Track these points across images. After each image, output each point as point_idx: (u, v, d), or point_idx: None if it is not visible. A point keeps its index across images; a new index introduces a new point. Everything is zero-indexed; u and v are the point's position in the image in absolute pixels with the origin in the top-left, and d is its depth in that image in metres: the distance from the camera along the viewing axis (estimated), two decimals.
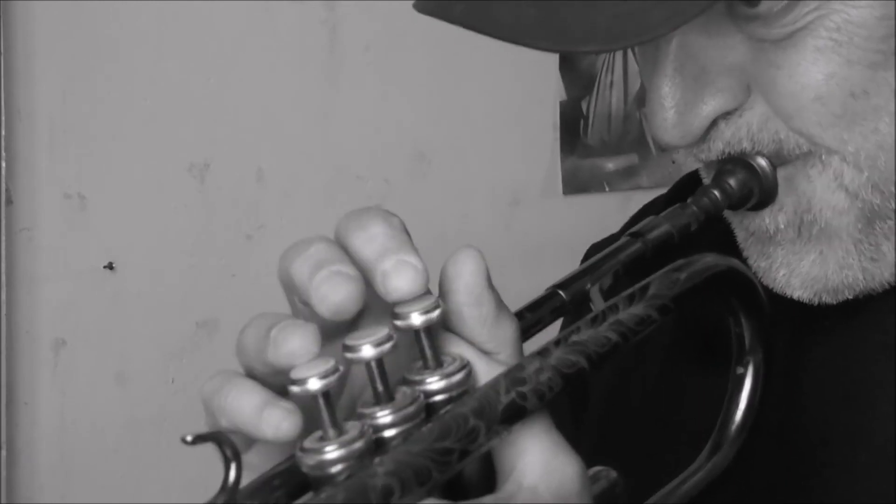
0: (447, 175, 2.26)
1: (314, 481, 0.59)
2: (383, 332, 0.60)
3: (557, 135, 2.35)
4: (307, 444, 0.59)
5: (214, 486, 0.59)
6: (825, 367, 0.85)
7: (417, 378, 0.62)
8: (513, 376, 0.62)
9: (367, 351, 0.60)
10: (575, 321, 0.66)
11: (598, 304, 0.70)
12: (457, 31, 0.73)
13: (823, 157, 0.75)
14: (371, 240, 0.62)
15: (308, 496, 0.60)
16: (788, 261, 0.79)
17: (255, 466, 0.64)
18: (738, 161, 0.77)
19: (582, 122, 2.36)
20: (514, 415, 0.61)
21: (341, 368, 0.59)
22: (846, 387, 0.83)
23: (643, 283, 0.69)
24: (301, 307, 0.64)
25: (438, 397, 0.62)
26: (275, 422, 0.60)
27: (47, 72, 1.96)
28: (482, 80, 2.25)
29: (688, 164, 0.84)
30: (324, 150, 2.17)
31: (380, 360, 0.60)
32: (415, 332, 0.62)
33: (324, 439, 0.59)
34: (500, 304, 0.64)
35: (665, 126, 0.74)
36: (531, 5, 0.68)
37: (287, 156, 2.14)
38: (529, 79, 2.28)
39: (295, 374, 0.59)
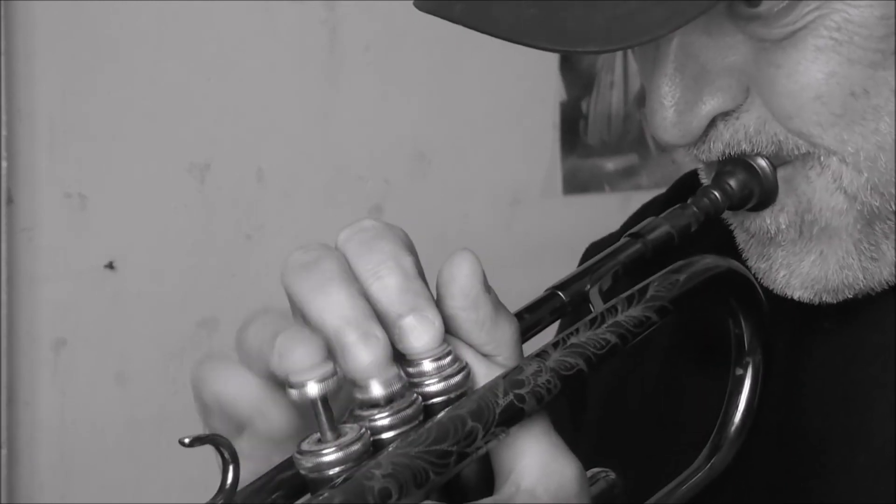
0: (447, 175, 2.26)
1: (312, 484, 0.59)
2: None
3: (557, 135, 2.35)
4: (305, 446, 0.59)
5: (214, 487, 0.59)
6: (825, 368, 0.85)
7: (416, 380, 0.62)
8: (511, 378, 0.62)
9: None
10: (574, 322, 0.66)
11: (597, 305, 0.70)
12: (457, 31, 0.73)
13: (822, 158, 0.75)
14: (387, 290, 0.62)
15: (306, 498, 0.60)
16: (788, 262, 0.79)
17: (248, 454, 0.64)
18: (738, 162, 0.77)
19: (582, 122, 2.36)
20: (513, 417, 0.61)
21: (339, 371, 0.59)
22: (845, 388, 0.83)
23: (642, 284, 0.69)
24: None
25: (436, 399, 0.62)
26: (269, 416, 0.61)
27: (47, 72, 1.96)
28: (482, 80, 2.25)
29: (687, 163, 0.84)
30: (324, 150, 2.17)
31: None
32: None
33: (321, 442, 0.59)
34: (497, 306, 0.64)
35: (664, 125, 0.74)
36: (531, 5, 0.68)
37: (287, 156, 2.14)
38: (529, 79, 2.28)
39: (293, 378, 0.59)
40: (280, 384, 0.61)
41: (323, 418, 0.59)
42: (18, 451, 1.95)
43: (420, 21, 0.77)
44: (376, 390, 0.60)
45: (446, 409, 0.60)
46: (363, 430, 0.60)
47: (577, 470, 0.63)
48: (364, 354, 0.60)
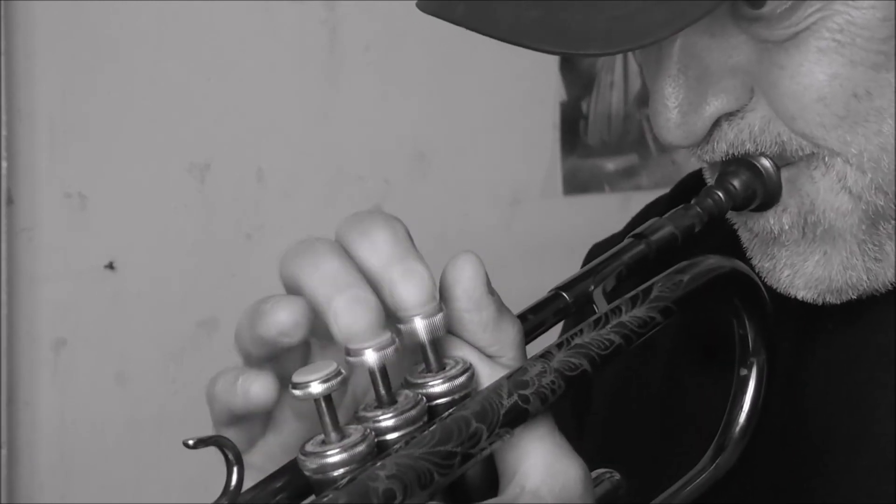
0: (447, 175, 2.26)
1: (316, 485, 0.59)
2: (386, 336, 0.60)
3: (557, 135, 2.35)
4: (309, 447, 0.59)
5: (215, 487, 0.59)
6: (828, 369, 0.85)
7: (419, 381, 0.62)
8: (515, 379, 0.62)
9: (370, 356, 0.60)
10: (578, 323, 0.66)
11: (601, 306, 0.70)
12: (457, 32, 0.73)
13: (826, 158, 0.75)
14: (376, 249, 0.62)
15: (310, 500, 0.60)
16: (792, 261, 0.79)
17: (258, 467, 0.64)
18: (741, 162, 0.77)
19: (582, 122, 2.36)
20: (517, 418, 0.61)
21: (343, 372, 0.59)
22: (849, 388, 0.83)
23: (646, 285, 0.69)
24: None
25: (441, 400, 0.62)
26: (245, 387, 0.61)
27: (47, 72, 1.96)
28: (482, 80, 2.25)
29: (689, 164, 0.84)
30: (324, 150, 2.17)
31: (382, 365, 0.60)
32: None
33: (326, 443, 0.59)
34: (501, 307, 0.64)
35: (668, 126, 0.74)
36: (532, 7, 0.68)
37: (287, 156, 2.14)
38: (530, 79, 2.28)
39: (297, 378, 0.59)
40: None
41: (327, 419, 0.59)
42: (18, 451, 1.95)
43: (420, 21, 0.77)
44: (370, 357, 0.60)
45: (450, 411, 0.60)
46: (367, 431, 0.60)
47: (581, 471, 0.63)
48: (356, 317, 0.60)
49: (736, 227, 0.83)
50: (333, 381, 0.58)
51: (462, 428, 0.59)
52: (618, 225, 1.02)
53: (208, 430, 0.66)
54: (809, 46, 0.72)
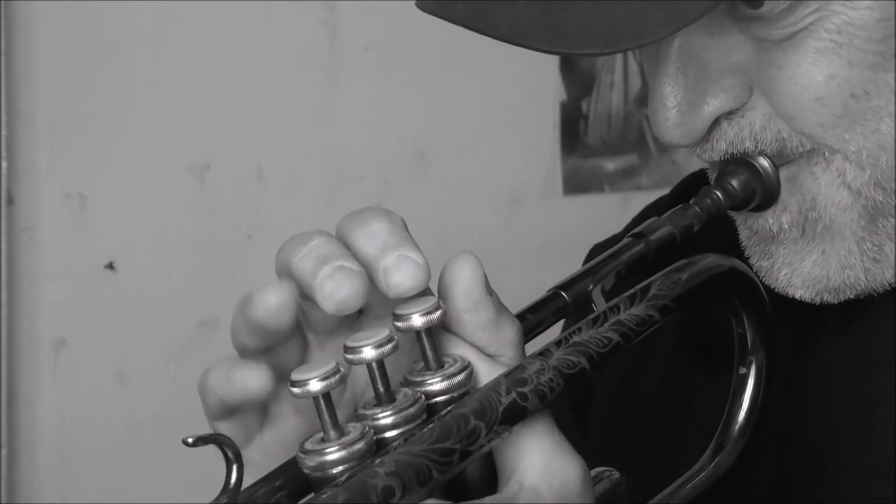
0: (447, 175, 2.26)
1: (315, 482, 0.59)
2: (384, 333, 0.60)
3: (557, 135, 2.35)
4: (308, 445, 0.60)
5: (215, 486, 0.59)
6: (828, 369, 0.85)
7: (419, 379, 0.62)
8: (514, 377, 0.62)
9: (369, 352, 0.60)
10: (577, 322, 0.66)
11: (599, 305, 0.70)
12: (457, 31, 0.73)
13: (826, 154, 0.75)
14: (372, 236, 0.63)
15: (309, 497, 0.60)
16: (790, 260, 0.79)
17: (256, 463, 0.64)
18: (740, 162, 0.77)
19: (582, 122, 2.36)
20: (516, 415, 0.61)
21: (342, 370, 0.59)
22: (849, 388, 0.83)
23: (644, 283, 0.69)
24: (301, 301, 0.64)
25: (439, 398, 0.62)
26: (240, 377, 0.61)
27: (47, 72, 1.96)
28: (482, 80, 2.25)
29: (689, 164, 0.84)
30: (324, 150, 2.17)
31: (381, 362, 0.61)
32: (416, 333, 0.62)
33: (325, 440, 0.59)
34: (499, 307, 0.64)
35: (667, 125, 0.74)
36: (532, 7, 0.68)
37: (287, 156, 2.14)
38: (529, 79, 2.27)
39: (295, 376, 0.59)
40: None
41: (326, 417, 0.59)
42: (18, 451, 1.95)
43: (420, 21, 0.78)
44: (369, 354, 0.60)
45: (449, 408, 0.60)
46: (366, 428, 0.60)
47: (580, 468, 0.63)
48: (343, 286, 0.60)
49: (736, 225, 0.83)
50: (332, 379, 0.59)
51: (461, 425, 0.59)
52: (618, 225, 1.02)
53: (208, 430, 0.66)
54: (807, 47, 0.72)
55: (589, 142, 2.36)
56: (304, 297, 0.63)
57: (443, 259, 0.65)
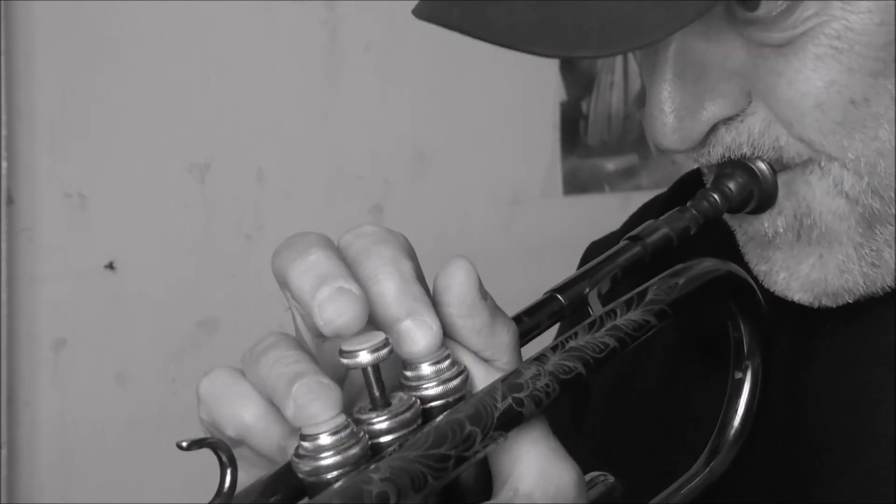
0: (447, 175, 2.26)
1: (310, 487, 0.59)
2: (380, 337, 0.60)
3: (557, 135, 2.35)
4: (303, 450, 0.59)
5: (214, 487, 0.59)
6: (826, 371, 0.85)
7: (414, 384, 0.62)
8: (510, 382, 0.61)
9: (364, 357, 0.60)
10: (573, 326, 0.66)
11: (596, 308, 0.69)
12: (456, 33, 0.73)
13: (823, 163, 0.74)
14: (383, 293, 0.62)
15: (304, 502, 0.60)
16: (788, 264, 0.79)
17: (249, 459, 0.64)
18: (737, 164, 0.76)
19: (582, 122, 2.36)
20: (511, 421, 0.61)
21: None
22: (847, 390, 0.83)
23: (641, 288, 0.69)
24: (297, 310, 0.64)
25: (435, 403, 0.62)
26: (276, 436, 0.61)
27: (47, 72, 1.96)
28: (482, 80, 2.25)
29: (688, 164, 0.84)
30: (324, 150, 2.17)
31: (376, 366, 0.60)
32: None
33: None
34: (494, 311, 0.64)
35: (664, 131, 0.74)
36: (528, 10, 0.68)
37: (287, 156, 2.14)
38: (530, 79, 2.28)
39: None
40: None
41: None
42: (18, 451, 1.95)
43: (420, 22, 0.77)
44: (364, 359, 0.59)
45: (444, 413, 0.60)
46: (361, 433, 0.60)
47: (575, 474, 0.63)
48: (343, 310, 0.60)
49: (732, 229, 0.83)
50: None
51: (456, 431, 0.59)
52: (618, 225, 1.02)
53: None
54: (807, 52, 0.72)
55: (589, 142, 2.36)
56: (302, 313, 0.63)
57: (442, 259, 0.64)
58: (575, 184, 2.36)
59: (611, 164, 2.38)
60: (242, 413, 0.62)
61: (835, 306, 0.79)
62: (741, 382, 0.77)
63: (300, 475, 0.59)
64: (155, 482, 2.02)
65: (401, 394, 0.62)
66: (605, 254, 0.74)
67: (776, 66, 0.73)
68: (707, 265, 0.72)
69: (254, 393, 0.62)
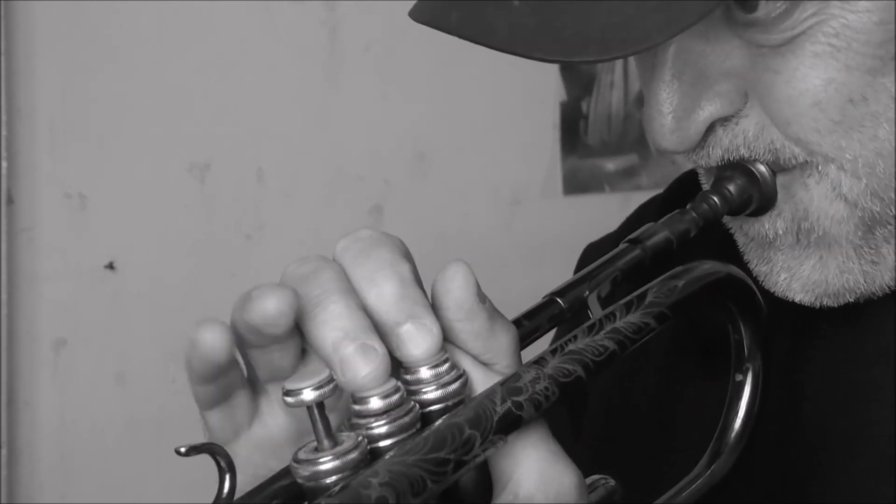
0: (447, 175, 2.26)
1: (309, 492, 0.59)
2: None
3: (558, 135, 2.35)
4: (301, 454, 0.59)
5: (214, 487, 0.59)
6: (825, 371, 0.85)
7: (413, 388, 0.62)
8: (509, 386, 0.61)
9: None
10: (573, 329, 0.66)
11: (595, 311, 0.69)
12: None
13: (820, 167, 0.74)
14: (383, 298, 0.62)
15: None
16: (789, 265, 0.79)
17: (244, 457, 0.64)
18: (737, 167, 0.76)
19: (582, 122, 2.36)
20: (510, 424, 0.61)
21: (335, 378, 0.59)
22: (846, 390, 0.83)
23: (641, 290, 0.68)
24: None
25: (434, 407, 0.62)
26: (203, 336, 0.60)
27: (47, 72, 1.96)
28: (482, 80, 2.25)
29: (687, 165, 0.84)
30: (324, 150, 2.17)
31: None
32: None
33: (318, 450, 0.59)
34: (493, 314, 0.64)
35: (663, 132, 0.73)
36: (527, 15, 0.67)
37: (287, 156, 2.14)
38: (530, 79, 2.28)
39: (289, 385, 0.59)
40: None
41: (320, 426, 0.59)
42: (18, 451, 1.95)
43: None
44: (375, 403, 0.60)
45: (444, 417, 0.60)
46: (360, 438, 0.60)
47: (575, 477, 0.63)
48: (363, 367, 0.60)
49: (732, 230, 0.83)
50: (326, 389, 0.58)
51: (455, 434, 0.59)
52: (618, 225, 1.02)
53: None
54: (805, 51, 0.72)
55: (589, 142, 2.36)
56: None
57: (443, 259, 0.64)
58: (575, 184, 2.36)
59: (611, 164, 2.38)
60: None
61: (836, 306, 0.79)
62: (742, 385, 0.77)
63: (299, 480, 0.59)
64: (155, 482, 2.02)
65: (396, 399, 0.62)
66: (604, 257, 0.73)
67: (774, 65, 0.72)
68: (707, 267, 0.72)
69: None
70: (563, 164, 2.35)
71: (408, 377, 0.62)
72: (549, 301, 0.69)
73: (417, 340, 0.61)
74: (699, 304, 0.71)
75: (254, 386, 0.66)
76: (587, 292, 0.70)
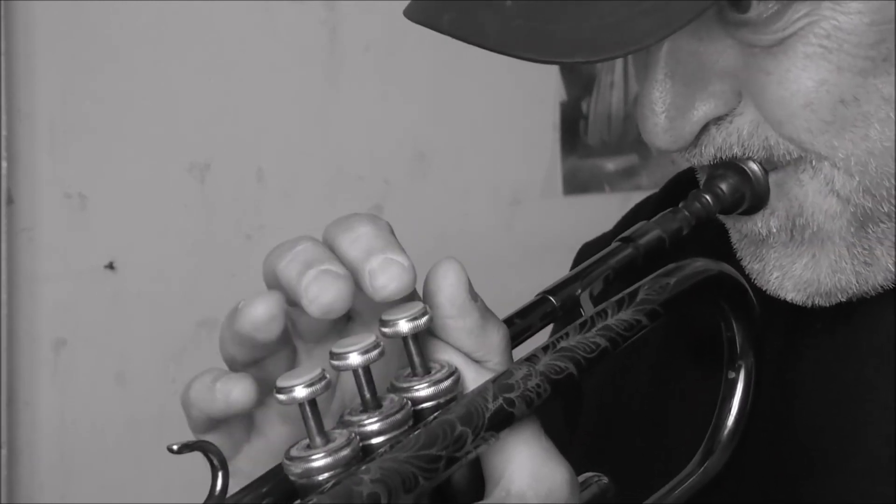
0: (447, 175, 2.26)
1: (301, 489, 0.59)
2: (370, 339, 0.60)
3: (558, 135, 2.35)
4: (294, 452, 0.60)
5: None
6: (817, 370, 0.85)
7: (405, 385, 0.62)
8: (501, 383, 0.62)
9: (355, 359, 0.60)
10: (565, 327, 0.66)
11: (588, 310, 0.70)
12: None
13: (814, 162, 0.74)
14: (357, 240, 0.63)
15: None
16: (781, 263, 0.79)
17: (246, 473, 0.64)
18: (729, 165, 0.77)
19: (582, 122, 2.36)
20: (502, 421, 0.61)
21: (328, 376, 0.59)
22: (838, 389, 0.83)
23: (632, 288, 0.69)
24: (289, 308, 0.64)
25: (426, 404, 0.62)
26: (224, 391, 0.61)
27: (47, 72, 1.96)
28: (482, 80, 2.25)
29: (685, 164, 0.84)
30: (324, 150, 2.17)
31: (367, 368, 0.61)
32: (403, 340, 0.62)
33: (311, 447, 0.59)
34: (485, 312, 0.64)
35: (656, 131, 0.74)
36: (518, 16, 0.68)
37: (287, 156, 2.14)
38: (530, 79, 2.27)
39: (281, 382, 0.59)
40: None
41: (312, 423, 0.59)
42: (18, 451, 1.96)
43: None
44: (355, 360, 0.60)
45: (436, 414, 0.60)
46: (352, 435, 0.60)
47: (567, 474, 0.63)
48: (326, 290, 0.60)
49: (727, 227, 0.83)
50: (318, 386, 0.59)
51: (447, 431, 0.59)
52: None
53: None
54: (797, 52, 0.72)
55: (589, 142, 2.36)
56: (291, 303, 0.63)
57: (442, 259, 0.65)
58: (575, 184, 2.36)
59: (611, 164, 2.38)
60: (198, 383, 0.63)
61: (828, 305, 0.79)
62: (734, 382, 0.77)
63: (291, 477, 0.59)
64: (155, 482, 2.02)
65: (392, 395, 0.62)
66: (597, 255, 0.74)
67: (766, 66, 0.73)
68: (699, 265, 0.72)
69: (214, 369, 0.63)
70: (563, 164, 2.35)
71: (400, 374, 0.62)
72: (542, 299, 0.70)
73: (389, 273, 0.61)
74: (691, 301, 0.71)
75: None
76: (579, 290, 0.71)
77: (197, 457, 0.60)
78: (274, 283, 0.63)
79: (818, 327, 0.84)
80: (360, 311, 0.66)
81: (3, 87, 1.90)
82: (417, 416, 0.61)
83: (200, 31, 2.06)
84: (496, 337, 0.64)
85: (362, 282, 0.62)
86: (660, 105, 0.73)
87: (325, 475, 0.58)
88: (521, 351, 0.66)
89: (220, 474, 0.58)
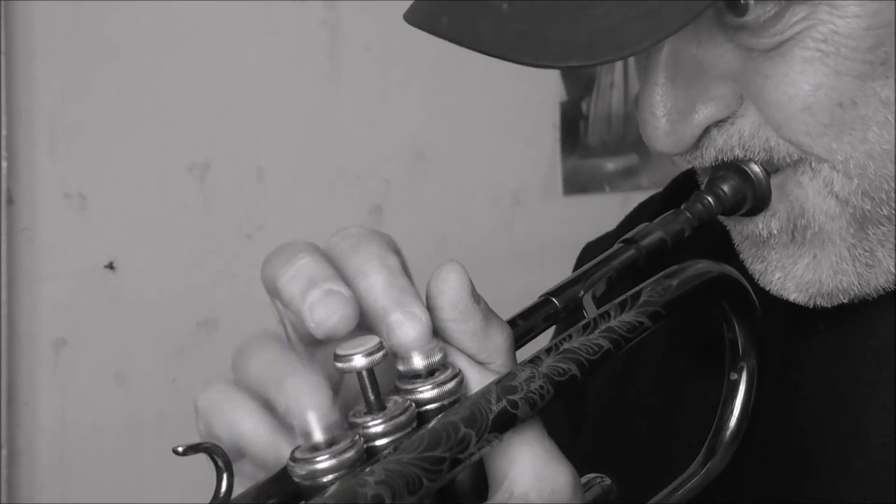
0: (447, 175, 2.26)
1: (305, 491, 0.59)
2: (374, 341, 0.60)
3: (558, 135, 2.35)
4: (298, 453, 0.59)
5: (213, 487, 0.59)
6: (819, 370, 0.85)
7: (409, 387, 0.62)
8: (504, 384, 0.62)
9: (359, 361, 0.60)
10: (568, 329, 0.66)
11: (590, 311, 0.70)
12: None
13: (813, 164, 0.75)
14: (372, 287, 0.63)
15: None
16: (783, 264, 0.79)
17: (249, 475, 0.64)
18: (731, 167, 0.77)
19: (582, 122, 2.36)
20: (506, 423, 0.61)
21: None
22: (840, 389, 0.83)
23: (635, 290, 0.69)
24: (288, 319, 0.64)
25: (430, 406, 0.62)
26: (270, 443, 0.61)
27: (47, 72, 1.96)
28: (482, 80, 2.25)
29: (686, 165, 0.84)
30: (324, 150, 2.17)
31: (371, 370, 0.61)
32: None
33: (315, 449, 0.59)
34: (488, 314, 0.64)
35: (657, 134, 0.74)
36: (515, 20, 0.68)
37: (287, 156, 2.14)
38: (529, 79, 2.28)
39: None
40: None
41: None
42: (18, 451, 1.96)
43: None
44: (359, 362, 0.60)
45: (439, 416, 0.60)
46: (356, 437, 0.60)
47: (570, 476, 0.63)
48: (332, 310, 0.60)
49: (728, 228, 0.83)
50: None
51: (451, 433, 0.59)
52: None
53: None
54: (794, 56, 0.72)
55: (589, 142, 2.36)
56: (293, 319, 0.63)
57: (443, 259, 0.65)
58: (575, 184, 2.36)
59: (611, 164, 2.38)
60: (239, 422, 0.62)
61: (830, 306, 0.80)
62: (737, 383, 0.77)
63: (296, 479, 0.59)
64: (155, 482, 2.02)
65: (396, 397, 0.62)
66: (599, 257, 0.74)
67: (764, 70, 0.73)
68: (701, 267, 0.72)
69: (251, 403, 0.62)
70: (563, 164, 2.35)
71: (403, 373, 0.62)
72: (545, 301, 0.70)
73: (406, 328, 0.61)
74: (693, 302, 0.71)
75: None
76: (582, 292, 0.71)
77: (196, 457, 0.60)
78: (275, 294, 0.63)
79: (820, 328, 0.84)
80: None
81: (3, 87, 1.90)
82: (421, 418, 0.61)
83: (200, 30, 2.06)
84: (500, 339, 0.64)
85: (380, 331, 0.62)
86: (661, 108, 0.73)
87: (330, 477, 0.58)
88: (525, 353, 0.66)
89: (225, 476, 0.58)
